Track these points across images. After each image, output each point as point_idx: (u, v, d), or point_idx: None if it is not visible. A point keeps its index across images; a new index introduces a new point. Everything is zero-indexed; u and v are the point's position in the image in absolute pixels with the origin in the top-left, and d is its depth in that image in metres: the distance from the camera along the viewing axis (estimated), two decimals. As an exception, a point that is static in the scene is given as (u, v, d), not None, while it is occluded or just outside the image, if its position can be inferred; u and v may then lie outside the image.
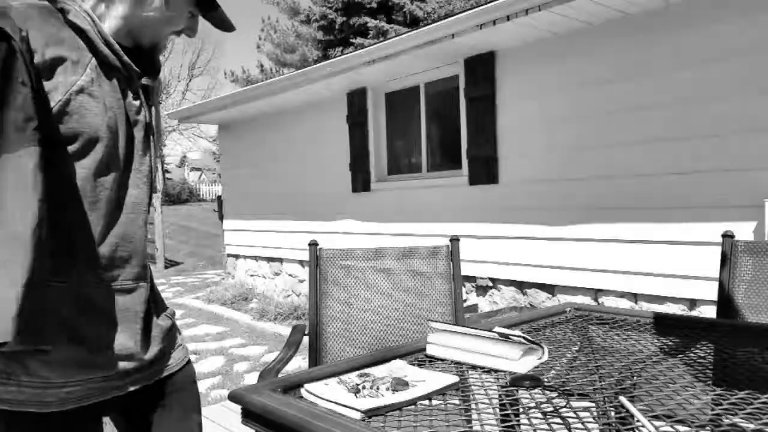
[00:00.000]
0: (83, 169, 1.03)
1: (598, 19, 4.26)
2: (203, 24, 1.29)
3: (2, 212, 0.88)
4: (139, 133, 1.14)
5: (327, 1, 19.45)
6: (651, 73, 4.07)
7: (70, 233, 1.04)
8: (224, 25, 1.26)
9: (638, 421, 0.93)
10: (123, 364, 1.11)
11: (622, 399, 1.00)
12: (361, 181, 6.46)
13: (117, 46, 1.08)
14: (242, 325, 6.44)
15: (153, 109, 1.21)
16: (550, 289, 4.83)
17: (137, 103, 1.14)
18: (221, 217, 8.92)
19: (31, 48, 0.94)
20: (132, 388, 1.15)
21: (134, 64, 1.12)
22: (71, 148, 1.01)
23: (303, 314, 6.62)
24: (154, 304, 1.22)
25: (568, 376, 1.20)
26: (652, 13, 4.04)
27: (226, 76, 24.52)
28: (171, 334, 1.26)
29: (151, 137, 1.18)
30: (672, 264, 4.00)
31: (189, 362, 1.31)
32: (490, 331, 1.30)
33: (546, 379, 1.15)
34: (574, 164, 4.55)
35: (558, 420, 1.00)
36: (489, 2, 4.33)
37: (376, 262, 1.85)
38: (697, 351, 1.36)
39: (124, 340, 1.11)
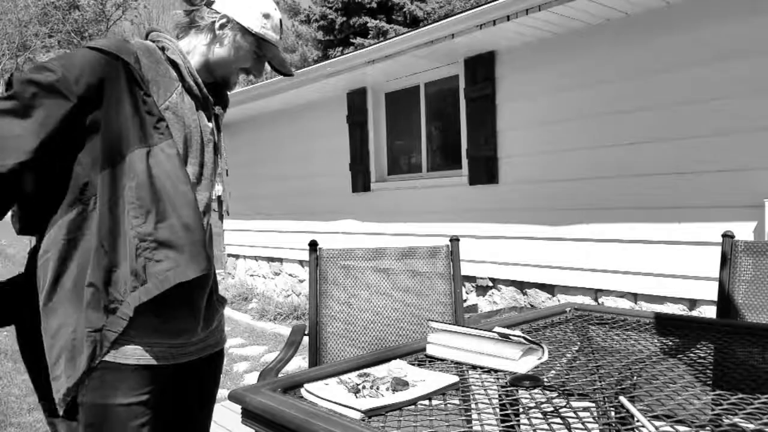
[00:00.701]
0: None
1: (598, 19, 4.26)
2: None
3: (168, 204, 1.22)
4: (209, 151, 1.41)
5: (327, 1, 19.45)
6: (651, 73, 4.07)
7: None
8: (283, 68, 1.48)
9: (638, 421, 0.93)
10: (186, 337, 1.33)
11: (622, 399, 1.00)
12: (361, 181, 6.46)
13: (199, 79, 1.37)
14: (242, 325, 6.44)
15: (221, 134, 1.50)
16: (550, 289, 4.83)
17: (210, 125, 1.42)
18: (221, 217, 8.92)
19: (142, 71, 1.25)
20: (186, 360, 1.36)
21: (210, 95, 1.41)
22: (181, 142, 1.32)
23: (303, 314, 6.62)
24: (215, 291, 1.43)
25: (568, 376, 1.20)
26: (653, 12, 4.04)
27: (226, 76, 24.50)
28: (221, 318, 1.49)
29: (219, 156, 1.47)
30: (672, 264, 4.00)
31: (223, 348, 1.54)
32: (490, 331, 1.30)
33: (546, 379, 1.15)
34: (575, 164, 4.55)
35: (558, 420, 1.00)
36: (489, 2, 4.33)
37: (376, 262, 1.85)
38: (697, 351, 1.36)
39: (189, 316, 1.33)
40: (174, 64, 1.34)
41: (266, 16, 1.41)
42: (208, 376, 1.49)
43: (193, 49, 1.39)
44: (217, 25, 1.37)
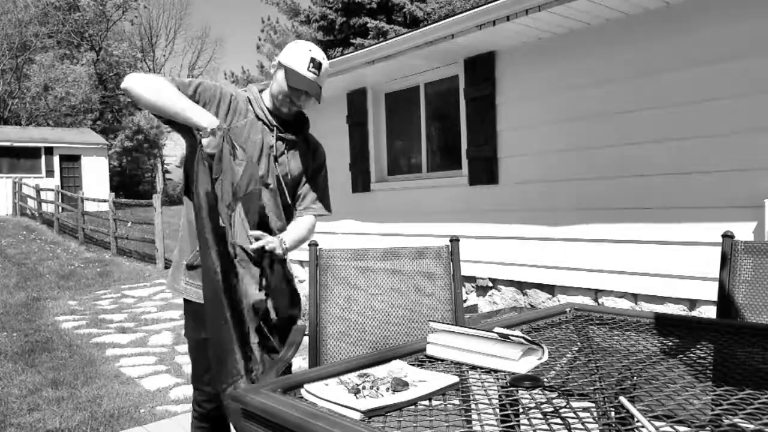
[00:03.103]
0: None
1: (598, 20, 4.26)
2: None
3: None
4: (264, 159, 1.93)
5: (327, 2, 19.44)
6: (651, 74, 4.07)
7: None
8: (298, 85, 1.89)
9: (638, 421, 0.93)
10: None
11: (622, 399, 1.00)
12: (361, 181, 6.46)
13: (265, 109, 1.97)
14: (242, 326, 6.42)
15: (288, 151, 2.00)
16: (550, 289, 4.82)
17: (272, 142, 1.95)
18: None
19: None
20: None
21: (283, 124, 1.99)
22: None
23: (303, 314, 6.61)
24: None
25: (568, 377, 1.20)
26: (652, 13, 4.04)
27: (226, 77, 24.53)
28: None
29: (277, 160, 1.96)
30: (672, 264, 4.00)
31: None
32: (490, 331, 1.30)
33: (546, 380, 1.15)
34: (574, 165, 4.54)
35: (558, 420, 1.00)
36: (489, 2, 4.33)
37: (376, 263, 1.85)
38: (697, 351, 1.36)
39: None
40: (248, 100, 1.98)
41: (296, 54, 1.91)
42: None
43: (268, 90, 1.99)
44: (272, 68, 1.97)
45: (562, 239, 4.65)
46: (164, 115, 1.76)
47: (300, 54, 1.90)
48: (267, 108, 1.96)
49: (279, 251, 1.81)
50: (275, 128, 1.96)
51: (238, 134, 1.88)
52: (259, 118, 1.95)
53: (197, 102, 1.81)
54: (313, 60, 1.90)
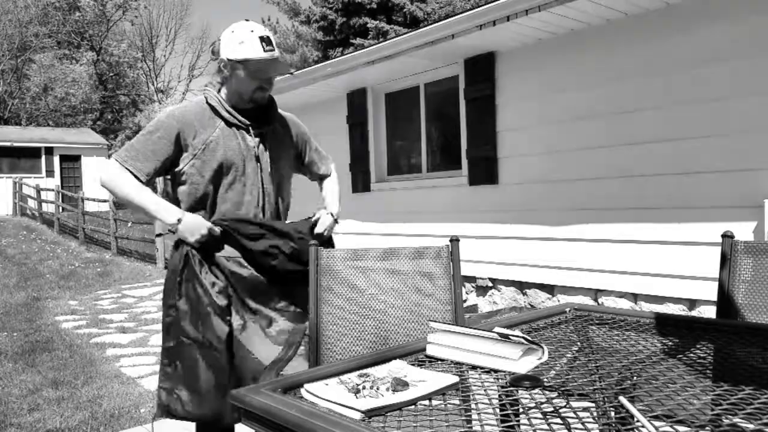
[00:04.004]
0: (224, 177, 1.91)
1: (598, 20, 4.26)
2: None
3: None
4: (251, 162, 1.92)
5: (327, 2, 19.45)
6: (651, 74, 4.07)
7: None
8: (266, 75, 1.90)
9: (638, 421, 0.93)
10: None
11: (622, 399, 1.00)
12: (360, 181, 6.46)
13: (233, 111, 1.91)
14: (242, 326, 6.42)
15: (264, 144, 1.96)
16: (549, 289, 4.82)
17: (252, 142, 1.93)
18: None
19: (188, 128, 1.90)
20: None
21: (252, 118, 1.94)
22: (216, 168, 1.89)
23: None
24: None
25: (567, 377, 1.20)
26: (652, 13, 4.04)
27: (226, 77, 24.46)
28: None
29: (260, 162, 1.94)
30: (672, 264, 4.00)
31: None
32: (490, 331, 1.30)
33: (546, 380, 1.15)
34: (574, 165, 4.54)
35: (558, 420, 1.00)
36: (489, 3, 4.33)
37: (375, 263, 1.85)
38: (696, 351, 1.36)
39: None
40: (213, 107, 1.91)
41: (241, 42, 1.83)
42: None
43: (226, 90, 1.93)
44: (221, 68, 1.88)
45: (561, 239, 4.65)
46: (151, 221, 2.00)
47: (248, 40, 1.82)
48: (232, 107, 1.91)
49: (332, 224, 2.05)
50: (248, 126, 1.92)
51: (213, 149, 1.86)
52: (230, 124, 1.90)
53: (177, 143, 1.87)
54: (262, 38, 1.83)
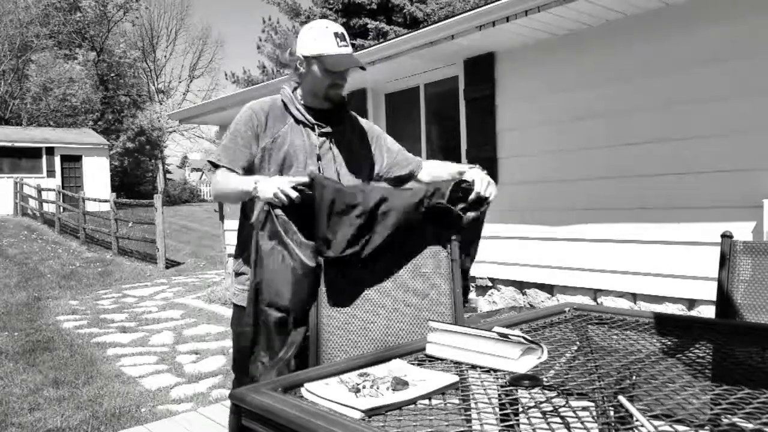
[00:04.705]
0: (286, 172, 1.90)
1: (597, 21, 4.27)
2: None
3: None
4: (312, 159, 1.93)
5: (327, 2, 19.46)
6: (651, 73, 4.08)
7: None
8: (340, 67, 1.93)
9: (637, 420, 0.93)
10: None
11: (621, 398, 1.00)
12: (361, 181, 6.46)
13: (302, 109, 1.96)
14: (242, 326, 6.42)
15: (330, 142, 1.98)
16: (549, 289, 4.83)
17: (316, 141, 1.95)
18: (222, 218, 8.92)
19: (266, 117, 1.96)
20: None
21: (324, 119, 1.98)
22: (280, 162, 1.92)
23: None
24: None
25: (567, 376, 1.21)
26: (651, 13, 4.04)
27: (227, 77, 24.52)
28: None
29: (321, 161, 1.94)
30: (671, 264, 4.00)
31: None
32: (489, 331, 1.31)
33: (545, 379, 1.16)
34: (574, 165, 4.55)
35: (557, 419, 1.00)
36: (489, 3, 4.33)
37: (375, 263, 1.85)
38: (696, 351, 1.36)
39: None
40: (285, 104, 1.97)
41: (316, 38, 1.88)
42: None
43: (300, 89, 1.98)
44: (297, 65, 1.94)
45: (561, 239, 4.66)
46: (242, 200, 1.95)
47: (322, 36, 1.87)
48: (304, 106, 1.96)
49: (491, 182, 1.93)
50: (316, 126, 1.96)
51: (280, 144, 1.91)
52: (299, 121, 1.95)
53: (257, 133, 1.92)
54: (336, 34, 1.88)
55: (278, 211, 1.65)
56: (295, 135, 1.94)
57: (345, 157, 1.99)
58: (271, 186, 1.66)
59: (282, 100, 1.98)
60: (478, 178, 1.85)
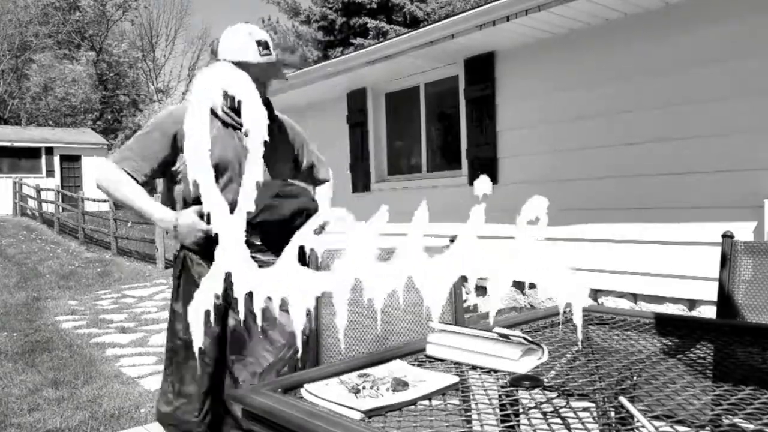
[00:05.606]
0: (219, 178, 1.82)
1: (597, 20, 4.26)
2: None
3: None
4: (245, 159, 1.80)
5: (327, 2, 19.46)
6: (652, 73, 4.07)
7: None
8: (266, 77, 1.92)
9: (638, 421, 0.93)
10: None
11: (622, 399, 1.00)
12: (361, 181, 6.46)
13: (228, 111, 1.87)
14: (242, 326, 6.42)
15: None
16: (550, 289, 4.82)
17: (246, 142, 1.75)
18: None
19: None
20: None
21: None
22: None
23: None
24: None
25: (567, 377, 1.20)
26: (651, 13, 4.04)
27: (226, 77, 24.43)
28: None
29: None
30: (672, 264, 4.00)
31: None
32: (489, 331, 1.30)
33: (546, 380, 1.15)
34: (574, 164, 4.54)
35: (558, 420, 1.00)
36: (489, 3, 4.33)
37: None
38: (696, 351, 1.36)
39: None
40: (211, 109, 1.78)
41: (239, 45, 1.85)
42: None
43: None
44: None
45: (561, 239, 4.65)
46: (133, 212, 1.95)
47: (243, 44, 1.84)
48: (229, 108, 1.89)
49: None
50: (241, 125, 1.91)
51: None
52: (226, 124, 1.89)
53: (173, 143, 1.86)
54: (259, 42, 1.84)
55: (192, 255, 1.86)
56: (224, 139, 1.88)
57: (274, 157, 1.97)
58: (188, 235, 1.80)
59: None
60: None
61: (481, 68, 5.16)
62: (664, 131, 4.01)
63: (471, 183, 5.28)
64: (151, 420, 3.40)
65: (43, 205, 17.39)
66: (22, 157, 21.21)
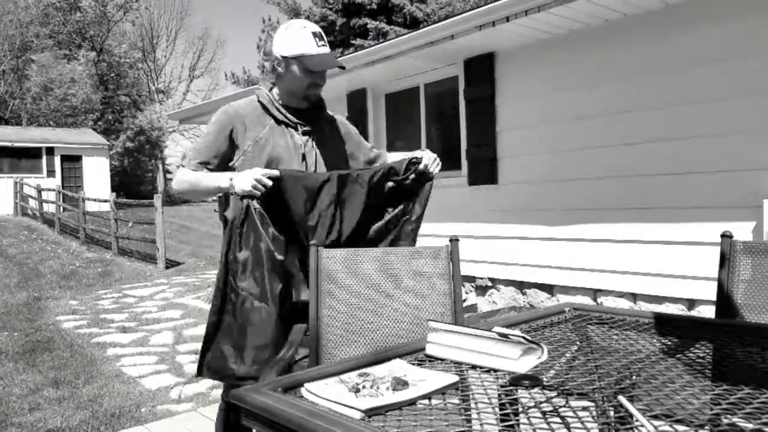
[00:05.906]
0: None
1: (597, 20, 4.27)
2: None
3: None
4: (297, 159, 1.94)
5: (327, 3, 19.46)
6: (651, 73, 4.08)
7: None
8: (322, 67, 1.92)
9: (637, 420, 0.93)
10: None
11: (621, 398, 1.00)
12: (361, 181, 6.45)
13: (282, 110, 1.95)
14: (242, 326, 6.41)
15: (312, 141, 2.00)
16: (549, 289, 4.83)
17: (300, 140, 1.97)
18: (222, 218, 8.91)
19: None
20: None
21: (303, 118, 1.98)
22: (264, 165, 1.89)
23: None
24: None
25: (567, 376, 1.21)
26: (651, 14, 4.04)
27: (227, 78, 24.55)
28: None
29: (306, 161, 1.97)
30: (671, 264, 4.00)
31: None
32: (489, 331, 1.31)
33: (545, 379, 1.15)
34: (574, 165, 4.55)
35: (557, 419, 1.00)
36: (489, 3, 4.33)
37: (374, 263, 1.85)
38: (695, 351, 1.36)
39: None
40: (263, 105, 1.95)
41: (294, 39, 1.88)
42: None
43: (277, 89, 1.98)
44: (275, 66, 1.92)
45: (561, 239, 4.66)
46: (212, 196, 2.02)
47: (301, 37, 1.88)
48: (283, 106, 1.95)
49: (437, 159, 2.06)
50: (298, 125, 1.96)
51: (263, 146, 1.91)
52: (279, 122, 1.94)
53: (230, 139, 1.93)
54: (315, 34, 1.89)
55: (255, 204, 1.76)
56: (278, 136, 1.93)
57: (325, 156, 2.01)
58: (246, 179, 1.73)
59: (259, 101, 1.97)
60: (426, 155, 2.01)
61: (481, 69, 5.16)
62: (664, 131, 4.01)
63: (471, 183, 5.28)
64: (152, 419, 3.41)
65: (44, 205, 17.39)
66: (23, 158, 21.21)
